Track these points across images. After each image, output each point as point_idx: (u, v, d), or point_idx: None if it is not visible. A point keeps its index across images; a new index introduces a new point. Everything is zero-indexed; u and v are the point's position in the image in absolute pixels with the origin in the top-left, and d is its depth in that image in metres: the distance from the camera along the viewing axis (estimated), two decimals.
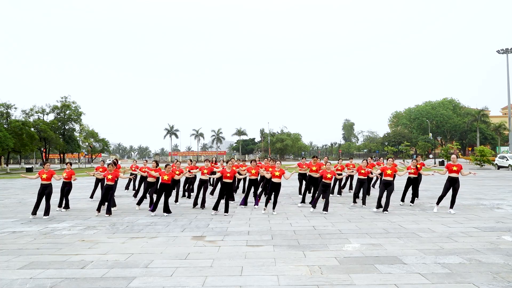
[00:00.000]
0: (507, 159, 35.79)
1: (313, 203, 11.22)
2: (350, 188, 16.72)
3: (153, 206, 11.06)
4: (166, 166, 11.08)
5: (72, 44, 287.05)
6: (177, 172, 12.31)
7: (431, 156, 65.10)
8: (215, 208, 10.97)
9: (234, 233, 8.40)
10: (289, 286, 5.12)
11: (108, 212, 11.07)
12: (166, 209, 10.95)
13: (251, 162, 13.02)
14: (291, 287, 5.10)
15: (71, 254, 6.85)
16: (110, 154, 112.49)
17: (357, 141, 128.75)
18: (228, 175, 10.86)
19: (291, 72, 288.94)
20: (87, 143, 71.90)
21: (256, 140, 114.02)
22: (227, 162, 11.79)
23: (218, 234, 8.32)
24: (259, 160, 15.86)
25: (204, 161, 13.37)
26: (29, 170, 48.25)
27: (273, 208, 11.06)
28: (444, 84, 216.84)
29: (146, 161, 17.00)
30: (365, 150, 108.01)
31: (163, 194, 10.91)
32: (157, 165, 13.26)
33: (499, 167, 36.75)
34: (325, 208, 10.91)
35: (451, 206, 10.73)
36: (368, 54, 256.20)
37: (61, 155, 70.64)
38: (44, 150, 62.19)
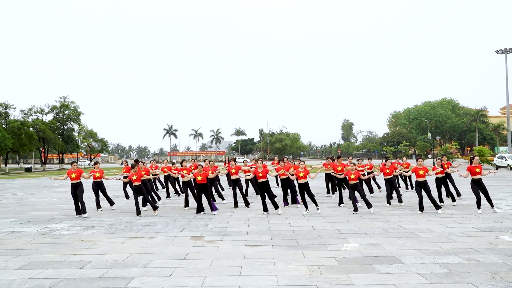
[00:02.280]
0: (506, 159, 35.84)
1: (354, 208, 10.99)
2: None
3: (198, 208, 11.10)
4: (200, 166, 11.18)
5: (72, 44, 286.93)
6: (210, 172, 12.47)
7: (430, 156, 65.16)
8: (265, 209, 10.99)
9: (233, 233, 8.40)
10: (288, 286, 5.12)
11: (154, 208, 11.22)
12: (211, 207, 11.14)
13: (279, 162, 13.06)
14: (290, 287, 5.10)
15: (70, 254, 6.85)
16: (109, 154, 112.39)
17: (356, 141, 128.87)
18: (261, 175, 10.98)
19: (290, 72, 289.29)
20: (86, 143, 71.77)
21: (255, 140, 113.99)
22: (256, 161, 11.87)
23: (217, 234, 8.32)
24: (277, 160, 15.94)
25: (231, 160, 13.46)
26: (28, 170, 48.17)
27: (306, 207, 10.94)
28: (444, 84, 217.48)
29: (167, 160, 17.02)
30: (364, 150, 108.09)
31: (202, 194, 11.01)
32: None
33: (497, 167, 36.79)
34: (369, 205, 10.85)
35: (492, 206, 10.80)
36: (368, 54, 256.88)
37: (60, 155, 70.53)
38: (43, 150, 62.10)
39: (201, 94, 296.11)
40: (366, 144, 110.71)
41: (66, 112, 64.62)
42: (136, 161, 12.79)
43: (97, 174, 12.06)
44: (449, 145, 62.11)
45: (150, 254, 6.79)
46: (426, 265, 5.90)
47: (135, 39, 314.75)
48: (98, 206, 12.29)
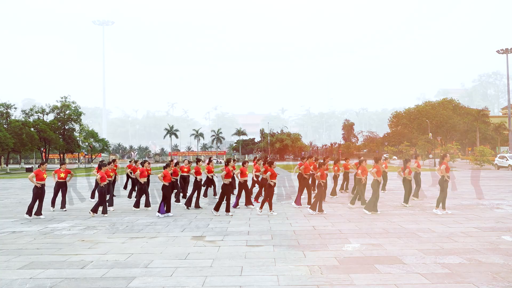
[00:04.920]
0: (507, 159, 35.77)
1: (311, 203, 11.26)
2: (343, 188, 16.53)
3: (166, 208, 10.96)
4: (166, 166, 11.10)
5: (72, 44, 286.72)
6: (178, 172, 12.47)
7: (431, 156, 65.08)
8: (217, 209, 10.91)
9: (234, 233, 8.40)
10: (289, 286, 5.12)
11: (103, 211, 11.09)
12: (168, 209, 10.99)
13: (243, 164, 13.13)
14: (291, 287, 5.10)
15: (71, 254, 6.85)
16: (110, 154, 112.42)
17: (357, 141, 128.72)
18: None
19: (292, 72, 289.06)
20: (87, 143, 71.88)
21: (256, 140, 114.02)
22: (227, 163, 11.75)
23: (218, 234, 8.32)
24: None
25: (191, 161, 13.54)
26: (29, 170, 48.18)
27: (261, 207, 11.22)
28: (444, 84, 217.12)
29: (136, 161, 16.81)
30: (365, 150, 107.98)
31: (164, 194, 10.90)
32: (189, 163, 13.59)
33: (499, 167, 36.74)
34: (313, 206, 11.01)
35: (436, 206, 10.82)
36: (368, 54, 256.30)
37: (61, 155, 70.70)
38: (44, 150, 62.24)
39: (201, 94, 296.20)
40: (367, 144, 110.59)
41: (67, 112, 64.77)
42: (114, 161, 12.91)
43: (62, 175, 11.91)
44: (450, 145, 62.09)
45: (151, 254, 6.80)
46: (427, 265, 5.89)
47: (136, 39, 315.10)
48: (63, 205, 12.07)
